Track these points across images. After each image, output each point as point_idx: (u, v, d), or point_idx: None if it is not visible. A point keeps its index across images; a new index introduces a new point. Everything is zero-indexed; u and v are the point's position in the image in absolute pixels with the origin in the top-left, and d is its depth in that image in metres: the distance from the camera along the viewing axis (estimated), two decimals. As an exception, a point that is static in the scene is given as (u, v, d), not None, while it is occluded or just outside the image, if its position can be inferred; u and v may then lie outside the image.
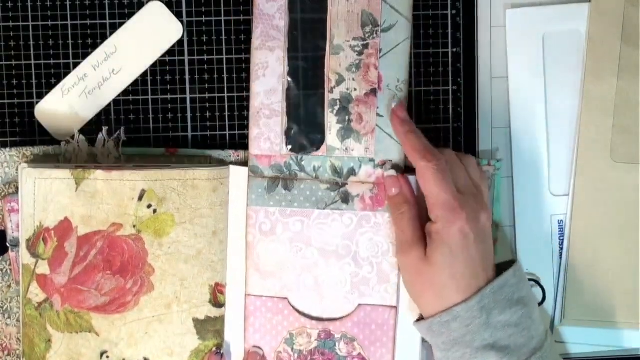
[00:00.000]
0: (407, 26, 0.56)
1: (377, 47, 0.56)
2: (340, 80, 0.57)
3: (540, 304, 0.59)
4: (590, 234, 0.61)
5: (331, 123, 0.57)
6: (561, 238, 0.62)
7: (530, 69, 0.61)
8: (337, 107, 0.57)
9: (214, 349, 0.58)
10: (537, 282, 0.59)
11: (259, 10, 0.57)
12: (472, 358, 0.52)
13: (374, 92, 0.57)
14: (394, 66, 0.56)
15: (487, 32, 0.62)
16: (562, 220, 0.62)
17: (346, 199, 0.57)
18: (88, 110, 0.60)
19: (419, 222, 0.55)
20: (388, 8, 0.56)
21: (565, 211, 0.62)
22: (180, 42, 0.61)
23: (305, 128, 0.57)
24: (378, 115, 0.57)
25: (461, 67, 0.62)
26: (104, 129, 0.60)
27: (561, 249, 0.62)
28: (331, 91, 0.57)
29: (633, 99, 0.60)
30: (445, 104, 0.62)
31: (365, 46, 0.56)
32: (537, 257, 0.62)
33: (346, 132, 0.57)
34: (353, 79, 0.57)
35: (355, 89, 0.57)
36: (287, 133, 0.57)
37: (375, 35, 0.56)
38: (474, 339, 0.52)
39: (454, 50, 0.62)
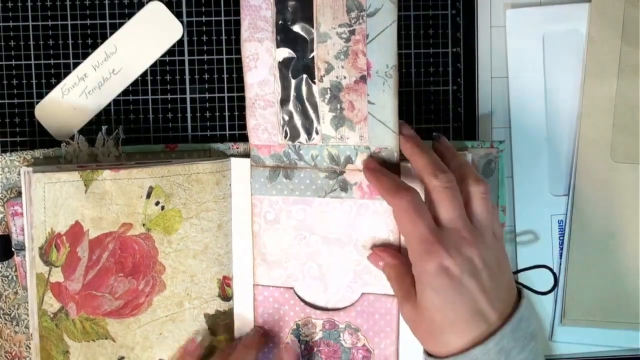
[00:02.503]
0: (393, 9, 0.54)
1: (364, 32, 0.55)
2: (329, 69, 0.56)
3: (551, 290, 0.58)
4: (590, 234, 0.61)
5: (324, 112, 0.56)
6: (561, 238, 0.62)
7: (531, 69, 0.61)
8: (327, 96, 0.56)
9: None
10: (549, 269, 0.58)
11: (246, 2, 0.56)
12: None
13: (363, 79, 0.55)
14: (382, 52, 0.55)
15: (487, 32, 0.62)
16: (562, 220, 0.62)
17: (344, 186, 0.57)
18: (88, 110, 0.60)
19: (409, 276, 0.52)
20: None
21: (565, 211, 0.62)
22: (180, 42, 0.61)
23: (298, 118, 0.57)
24: (369, 102, 0.56)
25: (461, 67, 0.62)
26: (103, 128, 0.60)
27: (561, 249, 0.62)
28: (321, 80, 0.56)
29: (633, 99, 0.60)
30: (445, 104, 0.62)
31: (352, 32, 0.55)
32: (537, 257, 0.62)
33: (339, 120, 0.56)
34: (342, 67, 0.55)
35: (345, 77, 0.56)
36: (282, 123, 0.57)
37: (361, 21, 0.55)
38: None
39: (454, 50, 0.62)
